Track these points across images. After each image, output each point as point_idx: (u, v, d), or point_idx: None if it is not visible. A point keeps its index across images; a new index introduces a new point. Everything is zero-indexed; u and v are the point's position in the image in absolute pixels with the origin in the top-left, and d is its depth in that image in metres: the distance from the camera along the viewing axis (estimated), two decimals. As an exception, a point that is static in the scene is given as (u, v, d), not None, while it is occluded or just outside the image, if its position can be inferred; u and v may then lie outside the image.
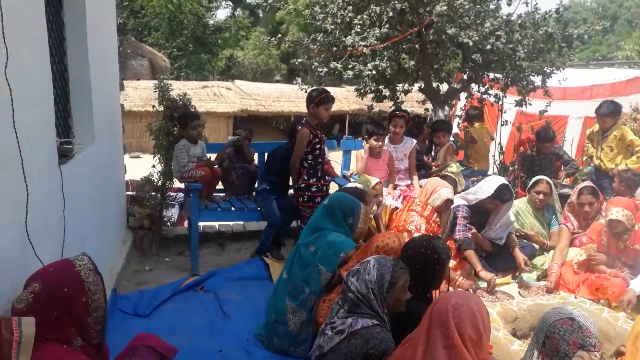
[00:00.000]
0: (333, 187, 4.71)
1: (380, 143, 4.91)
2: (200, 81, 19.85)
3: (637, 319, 2.38)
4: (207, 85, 18.35)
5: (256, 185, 4.96)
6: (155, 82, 4.99)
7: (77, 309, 1.92)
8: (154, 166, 4.95)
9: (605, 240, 4.04)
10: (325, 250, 3.21)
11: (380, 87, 5.79)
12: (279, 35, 6.15)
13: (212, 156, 4.91)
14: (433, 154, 5.62)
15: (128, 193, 5.74)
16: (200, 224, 4.98)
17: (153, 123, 4.90)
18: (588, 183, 4.65)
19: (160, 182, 4.93)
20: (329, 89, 4.69)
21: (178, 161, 4.52)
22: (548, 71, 5.84)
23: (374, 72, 5.13)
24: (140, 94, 16.84)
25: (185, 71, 24.24)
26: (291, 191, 4.79)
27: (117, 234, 4.66)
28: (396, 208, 4.75)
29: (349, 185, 4.45)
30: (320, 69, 5.22)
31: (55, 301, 1.86)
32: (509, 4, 5.76)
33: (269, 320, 3.34)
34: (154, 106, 4.83)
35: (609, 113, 5.25)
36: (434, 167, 5.39)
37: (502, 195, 4.23)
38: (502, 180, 4.40)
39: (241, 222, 5.60)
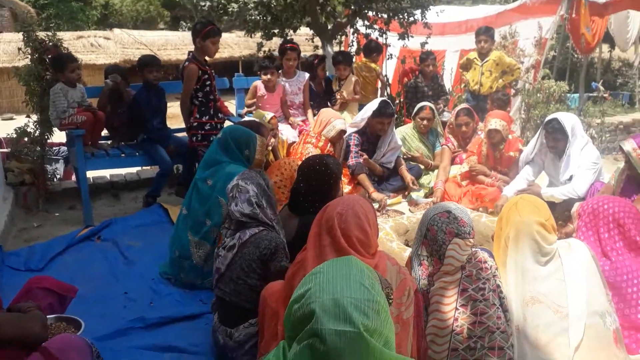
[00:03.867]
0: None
1: (271, 77, 4.90)
2: (74, 31, 18.00)
3: (501, 211, 2.72)
4: (82, 36, 16.73)
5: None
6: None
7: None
8: (28, 116, 4.53)
9: (484, 151, 4.47)
10: (225, 182, 3.20)
11: (268, 23, 5.71)
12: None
13: (93, 102, 4.60)
14: (337, 87, 5.62)
15: (3, 150, 5.29)
16: (90, 175, 4.70)
17: (21, 68, 4.45)
18: (464, 105, 5.03)
19: (37, 132, 4.54)
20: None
21: (56, 106, 4.17)
22: (426, 4, 6.11)
23: (259, 6, 5.03)
24: (5, 48, 15.03)
25: (55, 22, 21.80)
26: (184, 134, 4.65)
27: (-5, 191, 4.29)
28: (293, 142, 4.86)
29: (245, 119, 4.45)
30: (202, 3, 5.01)
31: None
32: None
33: (173, 257, 3.33)
34: (19, 49, 4.36)
35: (485, 31, 5.63)
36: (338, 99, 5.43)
37: (385, 109, 4.49)
38: (381, 99, 4.73)
39: (134, 170, 5.38)
